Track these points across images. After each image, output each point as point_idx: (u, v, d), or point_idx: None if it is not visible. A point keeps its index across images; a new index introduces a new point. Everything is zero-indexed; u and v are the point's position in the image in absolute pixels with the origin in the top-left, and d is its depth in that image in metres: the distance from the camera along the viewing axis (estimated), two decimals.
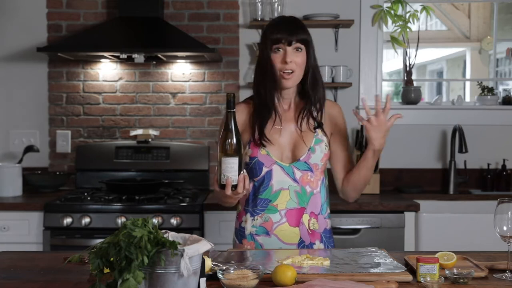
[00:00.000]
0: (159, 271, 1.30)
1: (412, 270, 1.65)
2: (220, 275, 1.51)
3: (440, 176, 3.77)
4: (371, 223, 3.14)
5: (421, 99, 3.81)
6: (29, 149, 3.57)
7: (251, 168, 2.08)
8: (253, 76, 2.19)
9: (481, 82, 3.87)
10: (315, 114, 2.10)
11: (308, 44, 2.05)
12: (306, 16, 3.59)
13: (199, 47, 3.31)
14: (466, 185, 3.70)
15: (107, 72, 3.73)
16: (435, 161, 3.79)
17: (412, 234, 3.16)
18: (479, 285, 1.58)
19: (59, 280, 1.64)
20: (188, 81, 3.73)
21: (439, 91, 7.20)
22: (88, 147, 3.69)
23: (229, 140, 1.79)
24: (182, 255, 1.29)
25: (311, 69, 2.07)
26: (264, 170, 2.07)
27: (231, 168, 1.78)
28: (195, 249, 1.32)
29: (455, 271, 1.60)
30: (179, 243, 1.30)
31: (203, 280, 1.43)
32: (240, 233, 2.13)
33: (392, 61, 5.67)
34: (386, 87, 7.06)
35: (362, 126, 3.66)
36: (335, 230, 2.28)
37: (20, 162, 3.52)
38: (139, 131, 3.63)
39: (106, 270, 1.32)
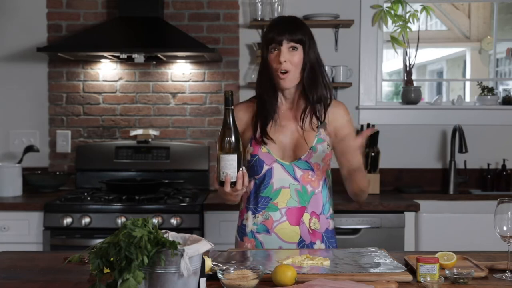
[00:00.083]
0: (159, 271, 1.30)
1: (412, 270, 1.65)
2: (220, 275, 1.51)
3: (440, 176, 3.77)
4: (371, 223, 3.14)
5: (421, 99, 3.81)
6: (29, 149, 3.57)
7: (252, 166, 2.09)
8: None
9: (481, 82, 3.87)
10: (319, 113, 2.09)
11: (303, 42, 2.05)
12: (306, 16, 3.60)
13: (199, 47, 3.31)
14: (466, 185, 3.70)
15: (107, 72, 3.73)
16: (435, 161, 3.79)
17: (412, 234, 3.16)
18: (479, 285, 1.58)
19: (59, 280, 1.64)
20: (188, 81, 3.73)
21: (439, 91, 7.20)
22: (88, 147, 3.69)
23: (228, 137, 1.81)
24: (182, 255, 1.29)
25: (307, 68, 2.06)
26: (265, 168, 2.07)
27: (230, 165, 1.80)
28: (195, 249, 1.32)
29: (455, 271, 1.60)
30: (179, 243, 1.30)
31: (203, 280, 1.43)
32: (241, 230, 2.14)
33: (392, 61, 5.67)
34: (386, 87, 7.06)
35: (362, 126, 3.67)
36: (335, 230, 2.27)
37: (20, 162, 3.52)
38: (139, 131, 3.63)
39: (106, 270, 1.32)
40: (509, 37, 4.74)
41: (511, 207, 1.66)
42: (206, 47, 3.32)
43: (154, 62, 3.68)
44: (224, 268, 1.56)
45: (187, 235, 1.44)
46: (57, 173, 3.65)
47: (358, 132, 3.61)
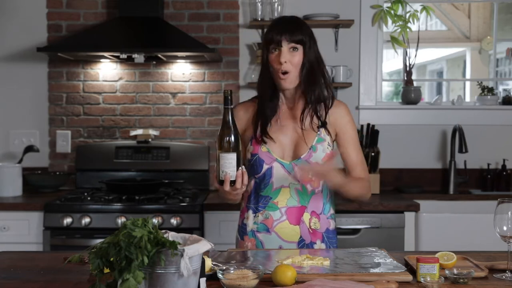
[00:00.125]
0: (159, 271, 1.30)
1: (412, 270, 1.65)
2: (220, 275, 1.51)
3: (440, 176, 3.77)
4: (371, 223, 3.14)
5: (421, 99, 3.81)
6: (29, 149, 3.57)
7: (252, 165, 2.10)
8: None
9: (481, 82, 3.87)
10: (319, 113, 2.09)
11: (304, 43, 2.04)
12: (306, 16, 3.59)
13: (199, 47, 3.31)
14: (466, 185, 3.70)
15: (107, 72, 3.73)
16: (435, 161, 3.79)
17: (412, 234, 3.16)
18: (479, 285, 1.58)
19: (59, 280, 1.64)
20: (188, 81, 3.73)
21: (439, 91, 7.20)
22: (88, 147, 3.69)
23: (227, 136, 1.82)
24: (182, 255, 1.29)
25: (307, 68, 2.06)
26: (265, 167, 2.07)
27: (229, 164, 1.81)
28: (195, 249, 1.32)
29: (455, 271, 1.60)
30: (179, 243, 1.30)
31: (203, 280, 1.43)
32: (242, 229, 2.15)
33: (392, 61, 5.67)
34: (386, 87, 7.06)
35: (362, 126, 3.67)
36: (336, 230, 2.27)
37: (20, 162, 3.52)
38: (139, 131, 3.63)
39: (106, 270, 1.32)
40: (509, 37, 4.74)
41: (511, 207, 1.66)
42: (206, 47, 3.32)
43: (154, 62, 3.68)
44: (224, 268, 1.56)
45: (187, 235, 1.44)
46: (57, 173, 3.65)
47: (358, 132, 3.61)
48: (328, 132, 2.09)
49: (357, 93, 3.75)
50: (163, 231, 1.40)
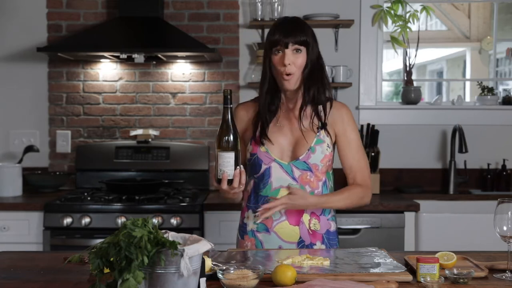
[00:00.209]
0: (159, 271, 1.30)
1: (412, 270, 1.65)
2: (220, 275, 1.51)
3: (440, 176, 3.77)
4: (371, 223, 3.14)
5: (421, 99, 3.81)
6: (29, 149, 3.57)
7: (251, 164, 2.11)
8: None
9: (481, 82, 3.87)
10: (320, 114, 2.09)
11: (307, 44, 2.04)
12: (306, 16, 3.59)
13: (199, 47, 3.31)
14: (466, 185, 3.70)
15: (107, 72, 3.73)
16: (435, 161, 3.79)
17: (412, 234, 3.16)
18: (479, 285, 1.58)
19: (59, 280, 1.64)
20: (188, 81, 3.73)
21: (439, 91, 7.20)
22: (88, 147, 3.69)
23: (226, 135, 1.83)
24: (182, 255, 1.29)
25: (308, 70, 2.06)
26: (263, 167, 2.07)
27: (227, 163, 1.82)
28: (195, 249, 1.32)
29: (455, 271, 1.60)
30: (179, 243, 1.30)
31: (203, 280, 1.43)
32: (242, 229, 2.15)
33: (392, 61, 5.67)
34: (386, 87, 7.05)
35: (362, 126, 3.67)
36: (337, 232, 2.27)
37: (20, 162, 3.52)
38: (139, 131, 3.63)
39: (106, 270, 1.32)
40: (509, 37, 4.74)
41: (511, 207, 1.66)
42: (206, 47, 3.32)
43: (154, 62, 3.68)
44: (224, 268, 1.56)
45: (187, 235, 1.44)
46: (57, 173, 3.65)
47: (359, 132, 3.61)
48: (328, 133, 2.09)
49: (357, 93, 3.75)
50: (163, 231, 1.40)
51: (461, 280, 1.57)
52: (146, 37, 3.44)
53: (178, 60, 3.67)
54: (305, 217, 2.07)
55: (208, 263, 1.61)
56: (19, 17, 3.72)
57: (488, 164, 3.71)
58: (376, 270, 1.65)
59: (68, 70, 3.72)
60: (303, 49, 2.04)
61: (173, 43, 3.40)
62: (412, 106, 3.74)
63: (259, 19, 3.59)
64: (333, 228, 2.13)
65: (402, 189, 3.64)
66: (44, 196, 3.37)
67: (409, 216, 3.16)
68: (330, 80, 3.58)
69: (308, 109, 2.09)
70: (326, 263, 1.73)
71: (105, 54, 3.41)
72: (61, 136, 3.73)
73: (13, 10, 3.72)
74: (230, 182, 1.85)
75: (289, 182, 2.05)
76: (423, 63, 7.96)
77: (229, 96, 1.86)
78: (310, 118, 2.08)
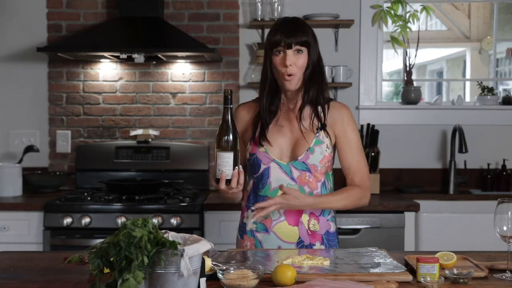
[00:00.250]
0: (159, 271, 1.30)
1: (412, 270, 1.65)
2: (220, 275, 1.51)
3: (440, 176, 3.77)
4: (371, 223, 3.14)
5: (421, 99, 3.81)
6: (29, 149, 3.57)
7: (251, 164, 2.11)
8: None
9: (481, 82, 3.87)
10: (320, 114, 2.09)
11: (308, 45, 2.04)
12: (306, 16, 3.59)
13: (199, 47, 3.31)
14: (466, 185, 3.70)
15: (107, 72, 3.73)
16: (435, 161, 3.79)
17: (412, 234, 3.16)
18: (479, 285, 1.58)
19: (59, 280, 1.64)
20: (188, 81, 3.73)
21: (439, 91, 7.20)
22: (88, 147, 3.69)
23: (225, 135, 1.84)
24: (182, 255, 1.29)
25: (310, 70, 2.05)
26: (262, 167, 2.08)
27: (225, 163, 1.83)
28: (195, 249, 1.32)
29: (455, 271, 1.60)
30: (179, 243, 1.30)
31: (203, 280, 1.43)
32: (242, 229, 2.15)
33: (392, 61, 5.67)
34: (386, 87, 7.05)
35: (362, 126, 3.67)
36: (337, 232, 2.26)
37: (20, 162, 3.52)
38: (139, 131, 3.63)
39: (106, 270, 1.32)
40: (509, 37, 4.74)
41: (511, 207, 1.66)
42: (206, 47, 3.32)
43: (154, 62, 3.68)
44: (224, 268, 1.56)
45: (187, 235, 1.44)
46: (57, 173, 3.65)
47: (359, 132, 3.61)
48: (328, 134, 2.09)
49: (357, 93, 3.75)
50: (163, 231, 1.40)
51: (461, 280, 1.57)
52: (146, 37, 3.44)
53: (178, 60, 3.67)
54: (304, 218, 2.07)
55: (208, 263, 1.61)
56: (19, 17, 3.72)
57: (488, 164, 3.71)
58: (376, 270, 1.65)
59: (68, 70, 3.72)
60: (304, 50, 2.03)
61: (173, 43, 3.40)
62: (412, 106, 3.75)
63: (259, 19, 3.59)
64: (332, 229, 2.13)
65: (402, 189, 3.64)
66: (44, 196, 3.37)
67: (409, 216, 3.16)
68: (330, 80, 3.60)
69: (308, 110, 2.09)
70: (326, 263, 1.73)
71: (105, 54, 3.41)
72: (61, 136, 3.73)
73: (13, 10, 3.72)
74: (228, 182, 1.85)
75: (288, 182, 2.05)
76: (423, 63, 7.96)
77: (229, 96, 1.86)
78: (310, 118, 2.08)
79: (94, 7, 3.71)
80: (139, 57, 3.42)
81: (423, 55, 6.18)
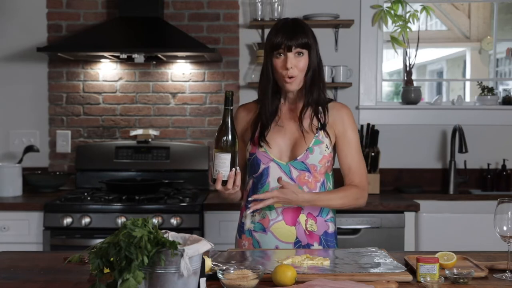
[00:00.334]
0: (159, 271, 1.30)
1: (412, 270, 1.65)
2: (220, 275, 1.51)
3: (440, 176, 3.77)
4: (371, 223, 3.14)
5: (421, 99, 3.81)
6: (29, 149, 3.57)
7: (250, 164, 2.12)
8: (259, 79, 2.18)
9: (481, 82, 3.87)
10: (320, 115, 2.09)
11: (309, 47, 2.04)
12: (306, 16, 3.59)
13: (199, 47, 3.31)
14: (466, 185, 3.70)
15: (107, 72, 3.73)
16: (435, 161, 3.79)
17: (412, 234, 3.16)
18: (479, 285, 1.58)
19: (59, 280, 1.64)
20: (188, 81, 3.73)
21: (439, 91, 7.20)
22: (88, 147, 3.69)
23: (224, 136, 1.85)
24: (182, 255, 1.29)
25: (311, 72, 2.06)
26: (262, 167, 2.08)
27: (223, 163, 1.84)
28: (195, 249, 1.32)
29: (455, 271, 1.60)
30: (179, 243, 1.30)
31: (203, 280, 1.43)
32: (240, 228, 2.16)
33: (392, 61, 5.67)
34: (386, 87, 7.05)
35: (362, 126, 3.67)
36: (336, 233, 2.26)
37: (20, 162, 3.52)
38: (139, 131, 3.63)
39: (106, 270, 1.32)
40: (509, 37, 4.74)
41: (511, 207, 1.66)
42: (206, 47, 3.32)
43: (154, 62, 3.68)
44: (224, 268, 1.56)
45: (187, 235, 1.44)
46: (57, 173, 3.65)
47: (358, 132, 3.61)
48: (327, 134, 2.09)
49: (357, 93, 3.75)
50: (163, 231, 1.40)
51: (461, 280, 1.57)
52: (146, 37, 3.44)
53: (178, 60, 3.67)
54: (302, 218, 2.06)
55: (208, 263, 1.61)
56: (19, 17, 3.72)
57: (488, 164, 3.71)
58: (376, 270, 1.65)
59: (68, 70, 3.72)
60: (305, 52, 2.03)
61: (173, 43, 3.40)
62: (412, 106, 3.75)
63: (259, 19, 3.59)
64: (331, 229, 2.12)
65: (402, 189, 3.64)
66: (44, 196, 3.37)
67: (409, 216, 3.16)
68: (330, 80, 3.60)
69: (308, 110, 2.09)
70: (326, 263, 1.73)
71: (105, 54, 3.41)
72: (61, 136, 3.73)
73: (13, 10, 3.72)
74: (224, 183, 1.86)
75: (287, 182, 2.04)
76: (423, 63, 7.96)
77: (230, 98, 1.86)
78: (309, 119, 2.08)
79: (94, 7, 3.71)
80: (139, 57, 3.42)
81: (423, 55, 6.19)
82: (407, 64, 3.78)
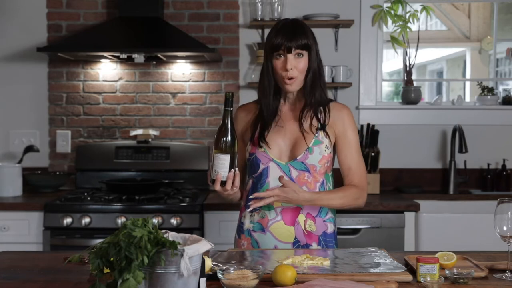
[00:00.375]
0: (159, 271, 1.30)
1: (412, 270, 1.65)
2: (220, 275, 1.51)
3: (440, 176, 3.77)
4: (371, 223, 3.14)
5: (421, 99, 3.81)
6: (29, 149, 3.57)
7: (250, 164, 2.12)
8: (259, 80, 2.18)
9: (481, 82, 3.87)
10: (320, 115, 2.09)
11: (309, 48, 2.04)
12: (306, 16, 3.59)
13: (199, 47, 3.31)
14: (466, 185, 3.70)
15: (107, 72, 3.73)
16: (435, 161, 3.79)
17: (412, 234, 3.16)
18: (479, 285, 1.58)
19: (59, 280, 1.64)
20: (188, 81, 3.73)
21: (439, 91, 7.20)
22: (88, 147, 3.69)
23: (223, 137, 1.85)
24: (182, 255, 1.29)
25: (311, 73, 2.06)
26: (261, 167, 2.08)
27: (222, 164, 1.85)
28: (195, 249, 1.32)
29: (455, 271, 1.60)
30: (179, 243, 1.30)
31: (203, 280, 1.43)
32: (239, 228, 2.16)
33: (392, 61, 5.67)
34: (386, 87, 7.05)
35: (362, 126, 3.67)
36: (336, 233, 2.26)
37: (20, 162, 3.52)
38: (139, 131, 3.63)
39: (106, 270, 1.32)
40: (509, 37, 4.74)
41: (511, 207, 1.66)
42: (206, 47, 3.32)
43: (154, 62, 3.68)
44: (224, 268, 1.56)
45: (187, 235, 1.44)
46: (57, 173, 3.65)
47: (358, 132, 3.61)
48: (327, 134, 2.09)
49: (357, 93, 3.75)
50: (163, 231, 1.40)
51: (461, 280, 1.57)
52: (146, 37, 3.44)
53: (178, 60, 3.67)
54: (301, 218, 2.06)
55: (208, 263, 1.61)
56: (19, 17, 3.72)
57: (488, 164, 3.71)
58: (376, 270, 1.65)
59: (68, 70, 3.72)
60: (305, 53, 2.03)
61: (173, 43, 3.40)
62: (412, 106, 3.75)
63: (259, 19, 3.59)
64: (330, 230, 2.11)
65: (402, 189, 3.64)
66: (44, 196, 3.37)
67: (409, 216, 3.16)
68: (330, 80, 3.60)
69: (308, 110, 2.09)
70: (326, 263, 1.73)
71: (105, 54, 3.41)
72: (61, 136, 3.73)
73: (13, 10, 3.72)
74: (223, 183, 1.87)
75: (288, 181, 2.04)
76: (423, 63, 7.96)
77: (230, 99, 1.86)
78: (309, 119, 2.08)
79: (94, 7, 3.71)
80: (139, 57, 3.42)
81: (423, 55, 6.19)
82: (407, 64, 3.78)
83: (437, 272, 1.56)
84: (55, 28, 3.71)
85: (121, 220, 3.05)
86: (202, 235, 3.09)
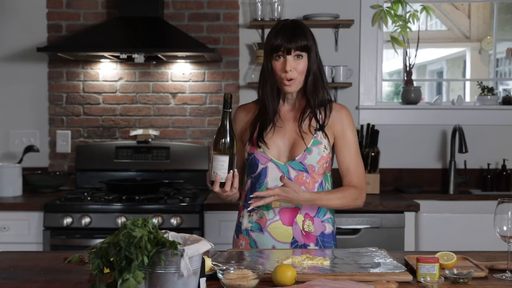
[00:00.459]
0: (159, 271, 1.30)
1: (412, 270, 1.65)
2: (220, 275, 1.51)
3: (440, 176, 3.77)
4: (371, 223, 3.14)
5: (421, 99, 3.81)
6: (29, 149, 3.57)
7: (249, 164, 2.12)
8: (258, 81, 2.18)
9: (481, 82, 3.87)
10: (319, 116, 2.09)
11: (309, 49, 2.04)
12: (306, 16, 3.59)
13: (199, 47, 3.31)
14: (466, 185, 3.70)
15: (107, 72, 3.73)
16: (435, 161, 3.79)
17: (412, 234, 3.16)
18: (479, 285, 1.58)
19: (59, 280, 1.64)
20: (188, 81, 3.73)
21: (439, 91, 7.20)
22: (88, 147, 3.69)
23: (222, 138, 1.85)
24: (182, 255, 1.29)
25: (312, 74, 2.06)
26: (260, 167, 2.08)
27: (220, 166, 1.84)
28: (195, 249, 1.32)
29: (455, 271, 1.60)
30: (179, 243, 1.30)
31: (203, 280, 1.43)
32: (238, 228, 2.16)
33: (392, 61, 5.67)
34: (386, 87, 7.05)
35: (362, 126, 3.67)
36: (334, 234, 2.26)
37: (20, 162, 3.52)
38: (139, 131, 3.63)
39: (106, 270, 1.32)
40: (509, 37, 4.74)
41: (511, 207, 1.66)
42: (206, 47, 3.32)
43: (154, 62, 3.68)
44: (224, 268, 1.56)
45: (187, 235, 1.44)
46: (57, 173, 3.65)
47: (358, 132, 3.61)
48: (326, 135, 2.08)
49: (357, 93, 3.75)
50: (163, 231, 1.40)
51: (461, 280, 1.57)
52: (146, 37, 3.44)
53: (178, 60, 3.67)
54: (299, 218, 2.06)
55: (208, 263, 1.61)
56: (19, 17, 3.72)
57: (488, 164, 3.71)
58: (376, 270, 1.65)
59: (68, 70, 3.72)
60: (305, 54, 2.03)
61: (173, 43, 3.40)
62: (412, 106, 3.75)
63: (259, 19, 3.59)
64: (328, 230, 2.11)
65: (402, 189, 3.64)
66: (44, 196, 3.37)
67: (409, 216, 3.16)
68: (330, 80, 3.60)
69: (308, 111, 2.09)
70: (326, 263, 1.73)
71: (105, 54, 3.41)
72: (61, 136, 3.73)
73: (13, 10, 3.72)
74: (222, 185, 1.86)
75: (289, 180, 2.04)
76: (423, 63, 7.96)
77: (229, 101, 1.87)
78: (308, 119, 2.08)
79: (94, 7, 3.71)
80: (139, 57, 3.42)
81: (423, 55, 6.19)
82: (407, 64, 3.78)
83: (437, 272, 1.56)
84: (55, 28, 3.71)
85: (121, 220, 3.05)
86: (202, 235, 3.09)
